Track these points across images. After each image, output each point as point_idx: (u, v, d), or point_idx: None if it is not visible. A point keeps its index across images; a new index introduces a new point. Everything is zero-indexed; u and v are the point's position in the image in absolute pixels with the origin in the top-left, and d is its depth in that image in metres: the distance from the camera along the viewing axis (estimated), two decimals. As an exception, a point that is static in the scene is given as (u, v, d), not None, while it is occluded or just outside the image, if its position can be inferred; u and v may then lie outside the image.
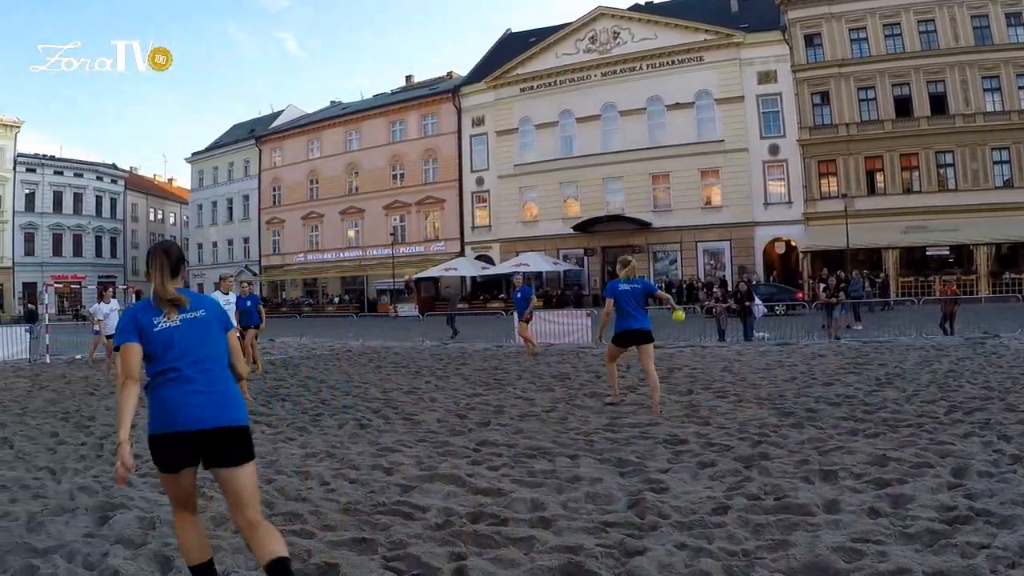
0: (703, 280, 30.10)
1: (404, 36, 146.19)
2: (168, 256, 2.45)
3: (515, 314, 14.22)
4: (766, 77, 30.47)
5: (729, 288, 22.66)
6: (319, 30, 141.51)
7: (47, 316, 17.69)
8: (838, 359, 10.03)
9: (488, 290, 37.16)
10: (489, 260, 37.84)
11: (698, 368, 9.75)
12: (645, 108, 33.18)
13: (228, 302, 8.63)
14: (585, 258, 34.74)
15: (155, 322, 2.36)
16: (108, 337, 11.60)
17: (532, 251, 35.21)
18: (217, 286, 9.72)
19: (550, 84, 36.10)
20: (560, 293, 33.62)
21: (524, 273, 13.12)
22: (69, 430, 6.32)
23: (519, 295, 13.10)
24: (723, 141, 31.05)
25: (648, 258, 32.87)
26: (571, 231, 34.41)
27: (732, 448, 4.68)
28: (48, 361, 14.44)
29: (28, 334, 16.10)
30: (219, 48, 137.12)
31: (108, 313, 12.26)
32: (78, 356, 15.09)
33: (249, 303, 10.56)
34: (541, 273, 35.22)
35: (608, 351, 7.05)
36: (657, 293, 7.16)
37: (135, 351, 2.33)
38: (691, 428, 5.49)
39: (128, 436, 2.22)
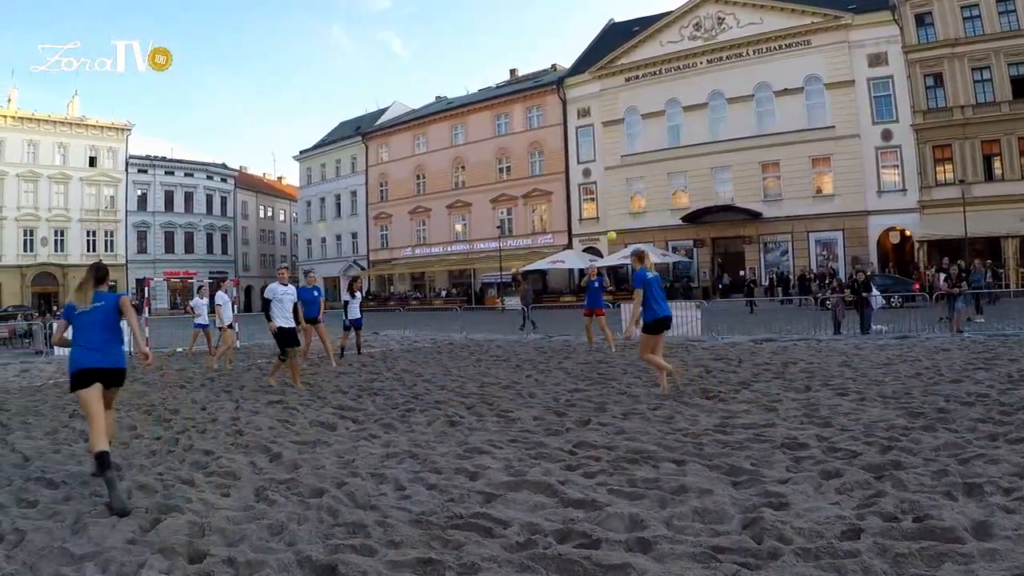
0: (815, 271, 33.99)
1: (508, 31, 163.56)
2: (96, 271, 5.03)
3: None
4: (876, 60, 33.94)
5: (843, 279, 26.48)
6: (422, 29, 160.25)
7: (148, 310, 19.51)
8: (963, 354, 10.36)
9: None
10: (597, 252, 43.30)
11: (815, 363, 10.12)
12: (753, 95, 37.39)
13: (286, 292, 10.08)
14: (695, 249, 39.61)
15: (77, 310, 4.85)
16: (219, 327, 13.82)
17: (640, 243, 40.28)
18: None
19: (655, 73, 41.02)
20: (670, 285, 38.55)
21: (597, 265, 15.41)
22: (149, 424, 7.08)
23: (596, 285, 14.30)
24: (834, 127, 34.82)
25: (759, 249, 37.30)
26: (680, 222, 39.24)
27: (859, 455, 4.68)
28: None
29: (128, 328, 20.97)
30: (324, 50, 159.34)
31: (222, 304, 14.12)
32: (179, 349, 17.56)
33: (316, 293, 12.77)
34: (650, 265, 40.41)
35: (644, 343, 8.04)
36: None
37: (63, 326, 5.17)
38: (811, 430, 5.56)
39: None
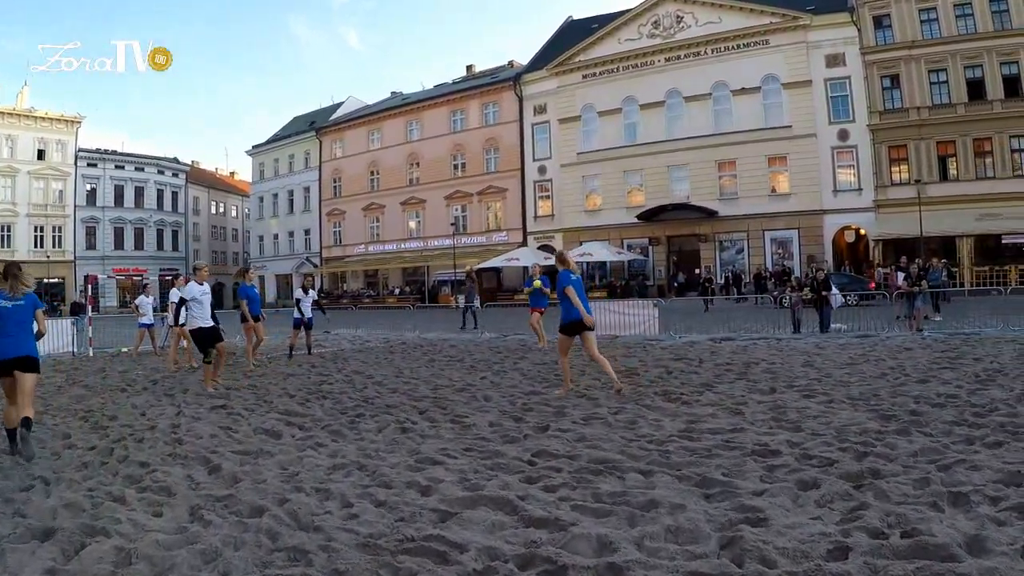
0: (771, 270, 33.43)
1: (464, 26, 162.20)
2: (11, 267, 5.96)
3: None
4: (834, 60, 33.52)
5: (800, 278, 25.80)
6: (381, 23, 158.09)
7: (90, 309, 19.01)
8: (927, 353, 10.29)
9: (552, 281, 41.47)
10: (552, 250, 42.07)
11: (777, 363, 9.95)
12: (710, 94, 36.71)
13: (204, 292, 9.82)
14: (650, 248, 38.67)
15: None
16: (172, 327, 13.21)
17: (596, 240, 39.27)
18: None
19: (613, 71, 40.09)
20: (624, 283, 37.63)
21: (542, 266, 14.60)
22: (84, 431, 6.67)
23: (529, 285, 14.36)
24: (791, 127, 34.29)
25: (714, 247, 36.55)
26: (635, 220, 38.31)
27: (835, 462, 4.46)
28: (91, 354, 15.98)
29: (73, 327, 17.51)
30: (281, 42, 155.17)
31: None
32: (124, 349, 16.85)
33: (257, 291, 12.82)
34: (605, 263, 39.37)
35: (560, 343, 8.20)
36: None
37: None
38: (781, 435, 5.32)
39: None
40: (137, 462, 5.28)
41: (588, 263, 39.49)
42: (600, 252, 38.04)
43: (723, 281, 34.77)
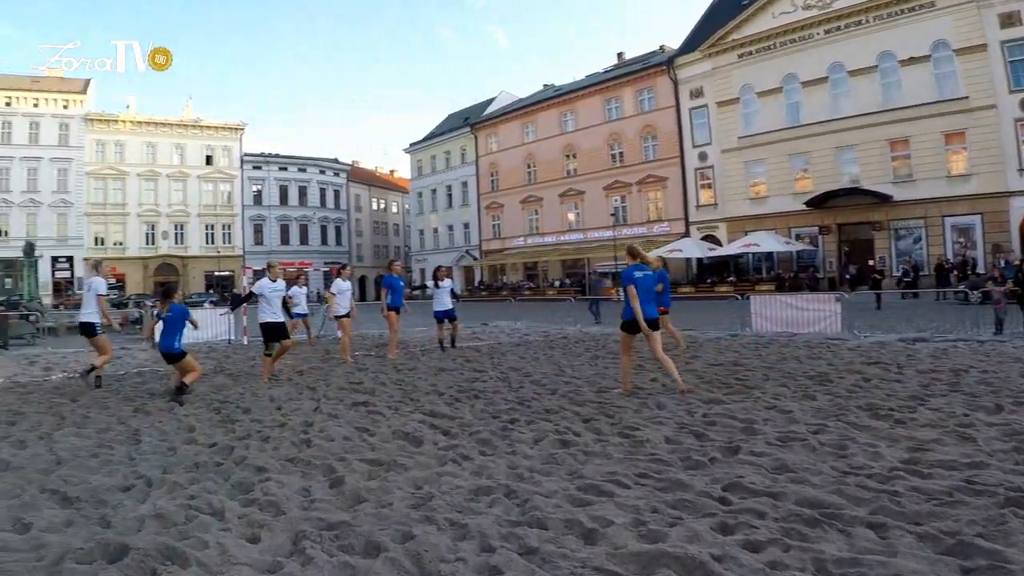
0: (951, 261, 35.05)
1: (612, 14, 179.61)
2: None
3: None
4: (1009, 19, 34.22)
5: (1002, 270, 26.09)
6: (525, 19, 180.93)
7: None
8: None
9: (717, 272, 45.50)
10: (716, 241, 46.13)
11: (989, 371, 9.41)
12: (876, 66, 38.78)
13: (274, 289, 11.25)
14: (819, 237, 41.60)
15: None
16: (337, 317, 14.78)
17: (761, 230, 42.71)
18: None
19: (770, 47, 43.19)
20: (793, 276, 40.85)
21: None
22: (211, 425, 7.21)
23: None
24: (967, 98, 35.72)
25: (889, 236, 38.84)
26: (803, 207, 41.33)
27: None
28: (245, 343, 18.62)
29: (231, 316, 20.21)
30: (429, 46, 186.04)
31: (340, 292, 14.78)
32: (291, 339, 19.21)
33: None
34: (772, 254, 42.82)
35: (621, 341, 8.89)
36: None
37: None
38: None
39: None
40: (254, 466, 5.43)
41: (754, 254, 43.27)
42: (767, 242, 41.23)
43: (900, 273, 36.65)
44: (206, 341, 18.84)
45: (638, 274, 8.43)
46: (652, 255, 15.13)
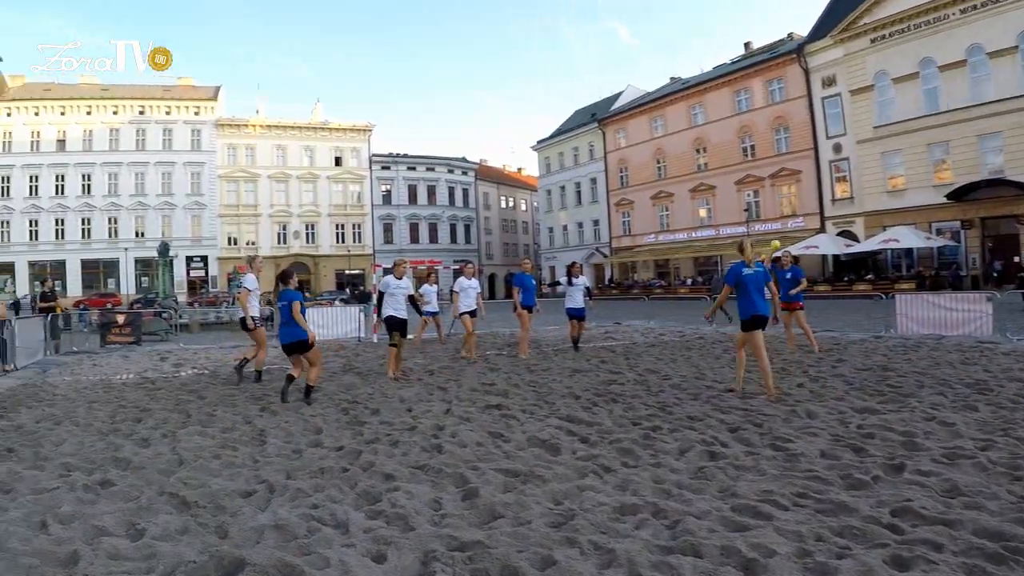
0: None
1: (738, 3, 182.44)
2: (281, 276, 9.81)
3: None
4: None
5: None
6: (648, 13, 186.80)
7: (374, 297, 20.18)
8: None
9: (854, 270, 45.62)
10: (852, 237, 46.21)
11: None
12: (1017, 46, 37.97)
13: (399, 286, 11.92)
14: (962, 232, 41.12)
15: None
16: (460, 315, 14.87)
17: (900, 224, 42.59)
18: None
19: (904, 30, 42.95)
20: (934, 273, 40.62)
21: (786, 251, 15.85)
22: (338, 427, 7.48)
23: (788, 276, 14.36)
24: (1125, 79, 34.89)
25: (1037, 230, 38.04)
26: (943, 200, 40.97)
27: None
28: (375, 340, 19.12)
29: (360, 313, 21.19)
30: (550, 44, 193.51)
31: (463, 289, 14.99)
32: (409, 336, 17.41)
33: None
34: (912, 250, 42.66)
35: (739, 340, 9.22)
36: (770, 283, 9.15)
37: None
38: None
39: None
40: (382, 473, 5.43)
41: (893, 251, 43.21)
42: (908, 238, 41.08)
43: None
44: (335, 338, 19.96)
45: (746, 271, 8.67)
46: (783, 252, 15.86)
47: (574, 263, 17.22)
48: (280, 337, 9.40)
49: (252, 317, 11.59)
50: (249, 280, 11.73)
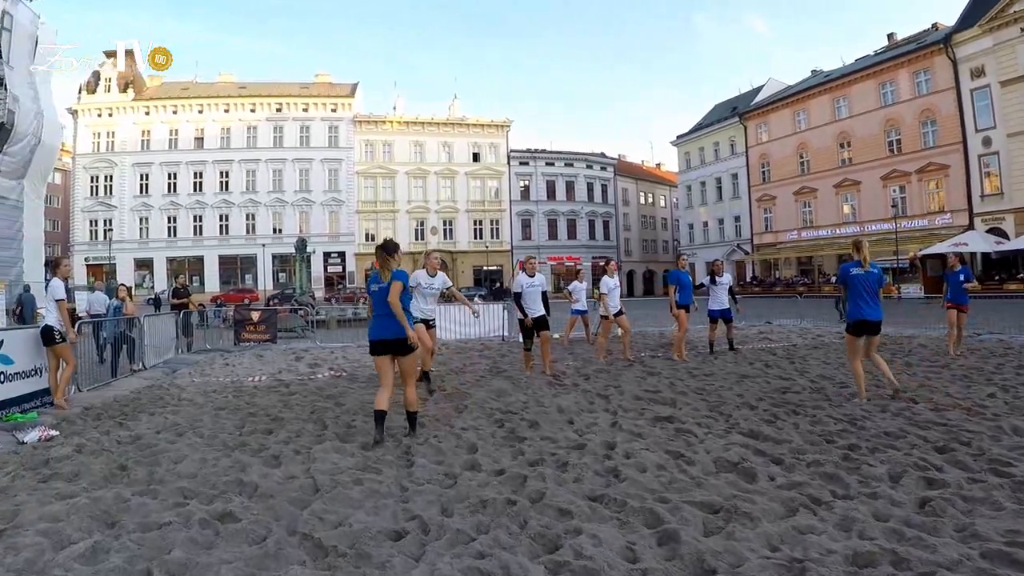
0: None
1: None
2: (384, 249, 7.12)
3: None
4: None
5: None
6: (785, 4, 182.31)
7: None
8: None
9: (1005, 268, 44.77)
10: (1002, 234, 45.38)
11: None
12: None
13: (532, 284, 11.89)
14: (1118, 229, 39.92)
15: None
16: (603, 317, 14.52)
17: (1053, 224, 41.76)
18: (522, 267, 12.80)
19: (1059, 18, 41.92)
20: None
21: (958, 253, 16.47)
22: (495, 444, 6.91)
23: (962, 278, 14.22)
24: None
25: None
26: (1101, 197, 39.99)
27: None
28: (520, 339, 16.71)
29: (505, 311, 21.05)
30: (687, 38, 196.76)
31: (610, 290, 14.39)
32: (555, 336, 16.49)
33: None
34: (1067, 250, 41.66)
35: (847, 344, 9.04)
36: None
37: None
38: None
39: None
40: (556, 507, 4.85)
41: (958, 253, 42.20)
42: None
43: None
44: (479, 337, 19.91)
45: (855, 271, 8.45)
46: (947, 252, 15.93)
47: (716, 261, 17.12)
48: (370, 332, 7.20)
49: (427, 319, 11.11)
50: (416, 277, 11.30)
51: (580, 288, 17.92)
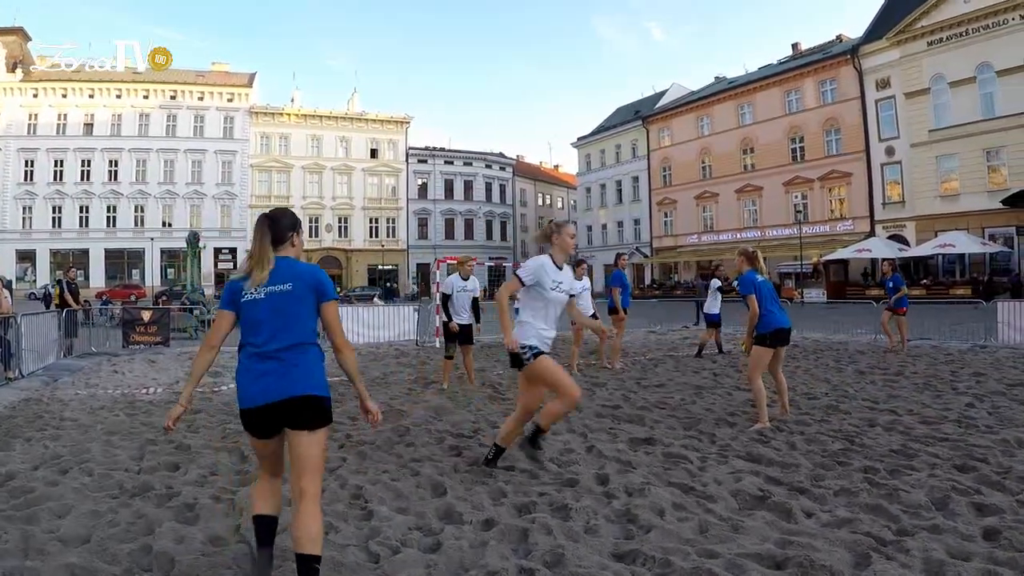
0: None
1: (782, 4, 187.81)
2: (274, 223, 3.65)
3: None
4: None
5: None
6: (686, 13, 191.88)
7: (438, 297, 19.15)
8: None
9: (906, 274, 46.56)
10: (903, 240, 47.46)
11: None
12: (1083, 54, 39.33)
13: (466, 288, 10.84)
14: (1016, 238, 42.30)
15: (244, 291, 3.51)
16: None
17: (953, 229, 43.73)
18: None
19: (962, 34, 44.18)
20: (987, 279, 41.78)
21: (891, 259, 16.98)
22: (467, 481, 5.70)
23: (890, 284, 15.34)
24: None
25: (1093, 238, 39.23)
26: (998, 206, 42.08)
27: None
28: (438, 345, 17.17)
29: (416, 313, 19.96)
30: (588, 43, 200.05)
31: (578, 293, 15.80)
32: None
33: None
34: (964, 256, 43.84)
35: (756, 359, 8.03)
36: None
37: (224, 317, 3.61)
38: None
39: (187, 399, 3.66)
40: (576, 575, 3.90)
41: (944, 256, 44.39)
42: (963, 243, 42.29)
43: None
44: (390, 341, 18.94)
45: (761, 278, 8.17)
46: (884, 261, 16.04)
47: (713, 262, 16.74)
48: (243, 391, 3.86)
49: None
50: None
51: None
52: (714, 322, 15.36)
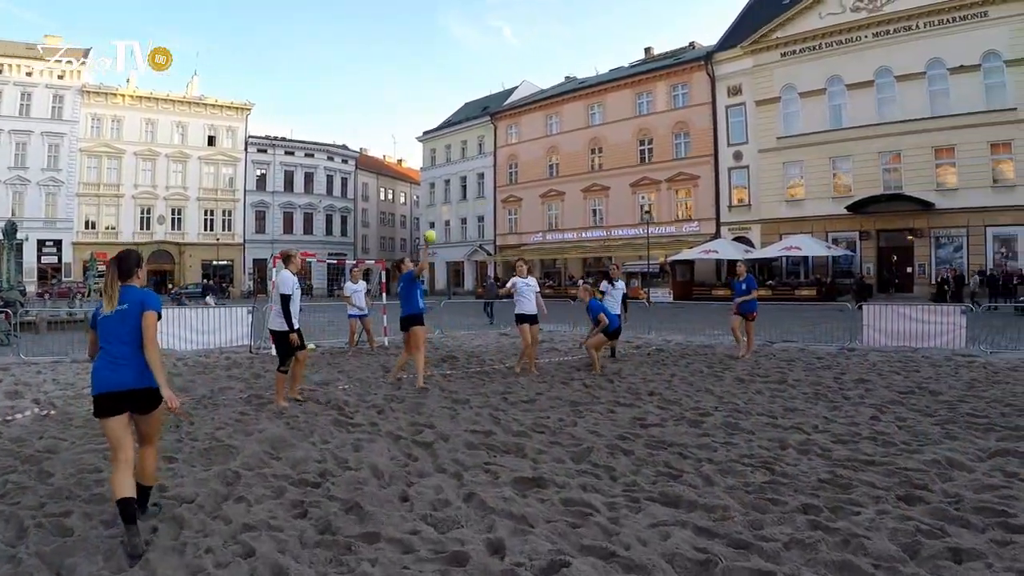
0: (989, 271, 37.08)
1: (635, 9, 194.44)
2: (120, 263, 4.79)
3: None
4: (1066, 35, 36.94)
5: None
6: (536, 14, 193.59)
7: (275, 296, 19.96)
8: None
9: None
10: (748, 243, 48.27)
11: None
12: (924, 72, 41.02)
13: (297, 285, 9.56)
14: (858, 242, 43.83)
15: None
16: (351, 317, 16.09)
17: (797, 233, 44.83)
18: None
19: (815, 48, 45.35)
20: (830, 281, 43.09)
21: (744, 261, 18.44)
22: (314, 560, 4.19)
23: (743, 286, 14.98)
24: (1015, 109, 38.08)
25: (930, 244, 41.12)
26: (842, 211, 43.53)
27: None
28: (274, 353, 12.49)
29: (250, 315, 17.86)
30: (437, 39, 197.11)
31: (353, 293, 15.64)
32: (312, 346, 15.15)
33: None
34: (808, 258, 44.99)
35: (595, 342, 12.78)
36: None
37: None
38: None
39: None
40: None
41: (789, 258, 45.39)
42: (809, 246, 43.39)
43: (938, 281, 38.95)
44: (219, 347, 16.70)
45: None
46: (739, 264, 15.29)
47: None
48: (96, 380, 4.71)
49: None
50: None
51: (357, 289, 16.07)
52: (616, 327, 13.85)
